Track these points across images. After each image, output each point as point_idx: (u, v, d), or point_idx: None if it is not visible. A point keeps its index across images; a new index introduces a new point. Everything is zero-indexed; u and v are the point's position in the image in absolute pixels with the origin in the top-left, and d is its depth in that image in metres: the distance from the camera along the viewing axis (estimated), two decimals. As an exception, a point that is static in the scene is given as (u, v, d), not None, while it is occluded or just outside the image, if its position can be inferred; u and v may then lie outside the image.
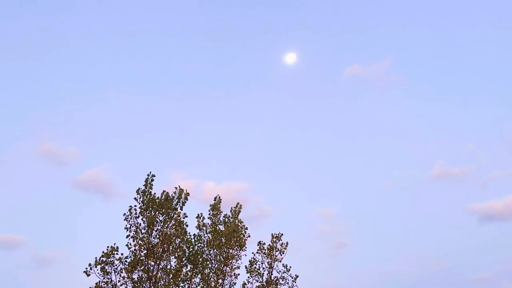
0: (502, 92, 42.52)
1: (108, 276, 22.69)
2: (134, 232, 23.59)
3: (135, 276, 23.07)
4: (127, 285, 22.92)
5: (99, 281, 22.48)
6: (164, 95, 42.17)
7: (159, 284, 23.39)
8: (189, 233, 24.72)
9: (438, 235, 34.14)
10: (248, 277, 25.82)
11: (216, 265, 25.23)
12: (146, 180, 23.98)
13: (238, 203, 26.52)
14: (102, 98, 40.17)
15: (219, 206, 26.23)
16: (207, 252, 25.34)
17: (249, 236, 26.21)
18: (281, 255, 26.16)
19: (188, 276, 24.32)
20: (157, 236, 23.79)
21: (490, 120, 40.31)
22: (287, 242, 26.48)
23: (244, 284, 25.57)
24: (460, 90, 41.88)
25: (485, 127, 40.18)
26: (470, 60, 44.01)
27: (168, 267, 23.90)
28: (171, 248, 24.03)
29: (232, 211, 26.40)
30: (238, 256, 25.84)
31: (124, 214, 23.70)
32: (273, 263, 25.89)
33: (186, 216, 24.41)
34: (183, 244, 24.43)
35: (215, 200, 26.29)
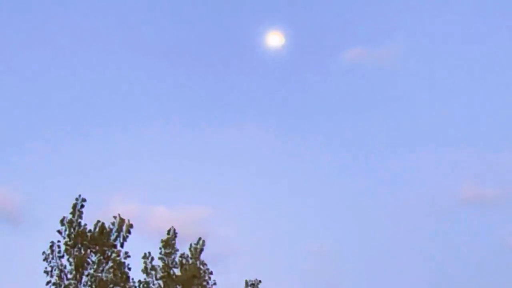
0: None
1: (20, 338, 19.32)
2: (57, 277, 20.36)
3: (58, 338, 20.56)
4: None
5: None
6: (99, 87, 37.94)
7: None
8: (132, 279, 21.52)
9: (469, 274, 29.65)
10: None
11: (169, 323, 22.45)
12: (74, 206, 20.70)
13: (200, 238, 23.67)
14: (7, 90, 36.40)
15: (174, 243, 23.18)
16: (157, 304, 22.55)
17: (214, 283, 23.46)
18: (258, 308, 24.09)
19: (130, 339, 21.60)
20: (89, 283, 20.62)
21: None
22: (266, 291, 24.23)
23: None
24: (496, 81, 36.99)
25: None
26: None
27: (104, 325, 21.12)
28: (107, 299, 21.38)
29: (192, 249, 23.52)
30: (200, 310, 23.16)
31: (44, 252, 20.31)
32: (247, 320, 23.80)
33: (129, 256, 21.18)
34: (124, 293, 21.60)
35: (168, 233, 23.19)
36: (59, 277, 20.27)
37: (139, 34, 40.36)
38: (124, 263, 21.04)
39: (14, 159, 32.76)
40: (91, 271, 20.58)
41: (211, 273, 23.45)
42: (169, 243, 23.10)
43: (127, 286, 21.32)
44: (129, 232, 21.05)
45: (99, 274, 20.62)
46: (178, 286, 22.54)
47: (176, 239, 23.42)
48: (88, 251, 20.68)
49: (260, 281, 24.25)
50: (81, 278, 20.45)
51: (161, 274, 22.57)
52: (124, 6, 39.66)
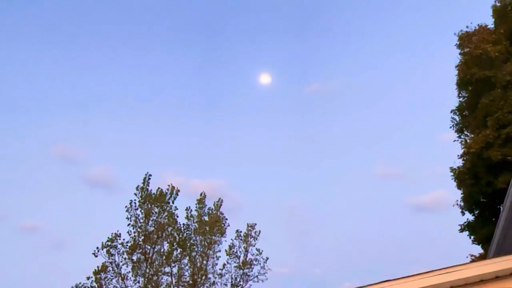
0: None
1: (112, 257, 24.46)
2: (134, 222, 25.13)
3: (134, 258, 24.67)
4: (128, 265, 24.63)
5: (105, 261, 24.26)
6: (155, 107, 44.76)
7: (154, 264, 24.87)
8: (179, 222, 26.10)
9: (381, 224, 39.56)
10: (228, 259, 26.88)
11: (201, 249, 26.15)
12: (144, 179, 25.90)
13: (219, 198, 27.84)
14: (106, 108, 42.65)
15: (204, 201, 27.37)
16: (193, 238, 26.28)
17: (228, 225, 27.33)
18: (254, 241, 27.02)
19: (178, 258, 25.37)
20: (153, 225, 25.18)
21: (422, 128, 45.09)
22: (259, 231, 27.65)
23: (224, 264, 26.92)
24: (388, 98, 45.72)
25: (417, 133, 45.03)
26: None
27: (162, 250, 25.25)
28: (164, 235, 25.30)
29: (215, 205, 27.44)
30: (219, 242, 26.62)
31: (126, 206, 25.37)
32: (248, 248, 27.01)
33: (177, 209, 26.09)
34: (174, 231, 25.71)
35: (200, 195, 27.47)
36: (135, 221, 25.18)
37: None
38: (174, 213, 25.66)
39: (109, 146, 39.84)
40: (154, 218, 25.42)
41: (226, 219, 27.13)
42: (201, 201, 27.12)
43: (176, 227, 25.84)
44: (177, 195, 25.99)
45: (159, 220, 25.33)
46: (206, 227, 26.46)
47: (206, 199, 27.46)
48: (152, 206, 25.53)
49: (255, 224, 27.54)
50: (148, 222, 25.16)
51: (196, 220, 26.74)
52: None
